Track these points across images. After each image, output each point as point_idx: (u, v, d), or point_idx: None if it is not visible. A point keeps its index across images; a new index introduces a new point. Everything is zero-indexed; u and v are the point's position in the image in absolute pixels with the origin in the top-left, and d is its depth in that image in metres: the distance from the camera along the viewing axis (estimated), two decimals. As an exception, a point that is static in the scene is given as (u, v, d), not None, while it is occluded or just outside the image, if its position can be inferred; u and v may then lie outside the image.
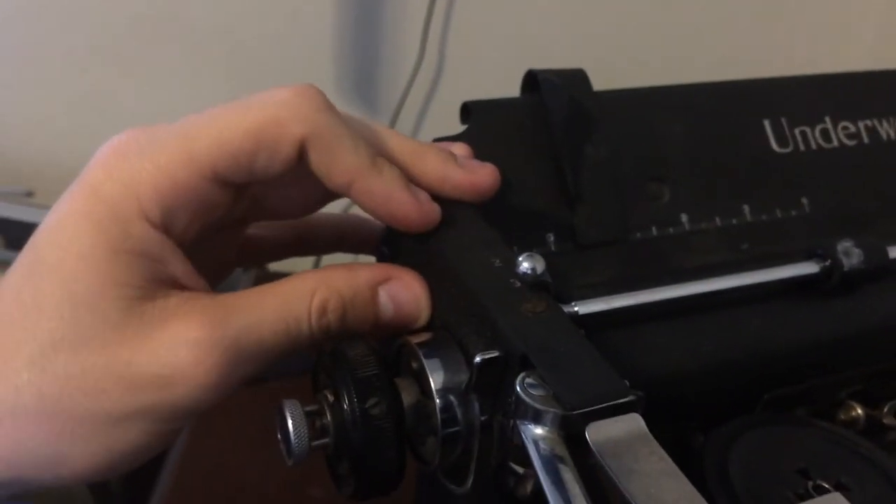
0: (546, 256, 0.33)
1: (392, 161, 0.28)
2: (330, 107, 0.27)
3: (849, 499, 0.26)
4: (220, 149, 0.25)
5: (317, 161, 0.27)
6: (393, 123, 0.84)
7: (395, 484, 0.27)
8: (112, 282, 0.24)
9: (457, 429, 0.27)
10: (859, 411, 0.31)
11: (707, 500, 0.26)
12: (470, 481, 0.27)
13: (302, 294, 0.27)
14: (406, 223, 0.28)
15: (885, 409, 0.32)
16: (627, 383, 0.24)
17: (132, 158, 0.25)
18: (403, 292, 0.29)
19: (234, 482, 0.53)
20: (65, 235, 0.24)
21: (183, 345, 0.24)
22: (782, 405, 0.31)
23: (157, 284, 0.25)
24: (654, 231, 0.35)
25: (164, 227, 0.25)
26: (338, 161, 0.27)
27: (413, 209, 0.28)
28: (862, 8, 0.80)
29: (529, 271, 0.26)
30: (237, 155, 0.25)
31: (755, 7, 0.78)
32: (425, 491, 0.38)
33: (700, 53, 0.79)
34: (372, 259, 0.34)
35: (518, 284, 0.27)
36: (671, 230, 0.35)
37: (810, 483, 0.26)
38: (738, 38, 0.79)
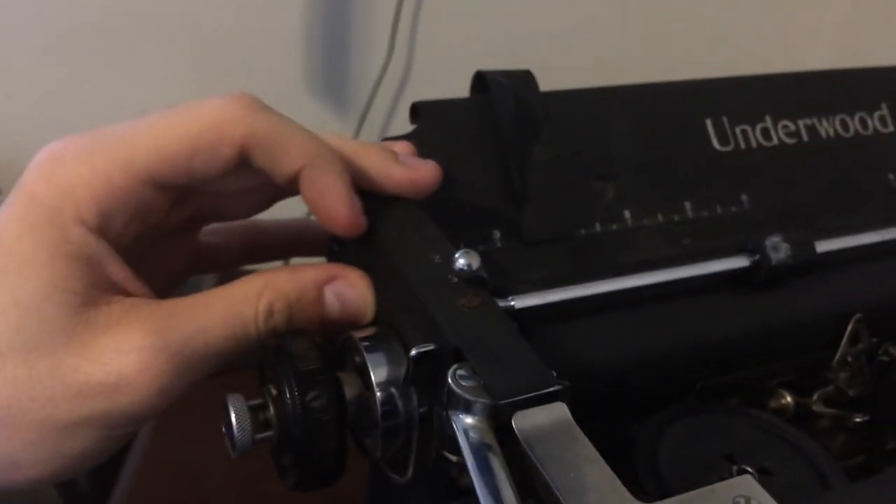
0: (492, 253, 0.35)
1: None
2: (267, 108, 0.27)
3: (771, 482, 0.27)
4: (157, 153, 0.26)
5: (262, 158, 0.27)
6: (361, 122, 0.85)
7: (337, 475, 0.27)
8: (55, 287, 0.25)
9: (397, 421, 0.27)
10: (789, 399, 0.33)
11: (636, 485, 0.27)
12: (410, 472, 0.28)
13: (248, 297, 0.28)
14: (334, 222, 0.29)
15: (815, 398, 0.33)
16: (554, 374, 0.25)
17: (69, 163, 0.25)
18: (349, 290, 0.30)
19: (198, 476, 0.54)
20: (6, 241, 0.25)
21: (128, 352, 0.25)
22: (715, 394, 0.32)
23: (99, 290, 0.26)
24: (598, 228, 0.36)
25: (102, 230, 0.26)
26: (283, 153, 0.27)
27: (345, 210, 0.28)
28: (823, 7, 0.81)
29: (465, 267, 0.27)
30: (174, 159, 0.26)
31: (712, 7, 0.79)
32: (377, 482, 0.39)
33: (667, 53, 0.80)
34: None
35: (455, 280, 0.28)
36: (615, 227, 0.36)
37: (735, 468, 0.28)
38: (696, 39, 0.80)
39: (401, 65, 0.85)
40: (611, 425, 0.30)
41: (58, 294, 0.25)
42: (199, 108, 0.27)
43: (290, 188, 0.29)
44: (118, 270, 0.26)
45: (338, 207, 0.28)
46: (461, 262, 0.28)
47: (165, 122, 0.26)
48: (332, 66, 0.86)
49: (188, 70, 0.84)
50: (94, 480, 0.77)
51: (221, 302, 0.27)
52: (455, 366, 0.25)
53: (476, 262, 0.27)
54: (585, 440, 0.23)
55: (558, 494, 0.22)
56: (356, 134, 0.84)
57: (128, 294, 0.27)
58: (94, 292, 0.25)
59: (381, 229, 0.30)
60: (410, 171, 0.30)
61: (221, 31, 0.82)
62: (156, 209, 0.27)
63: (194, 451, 0.55)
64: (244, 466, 0.52)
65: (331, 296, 0.30)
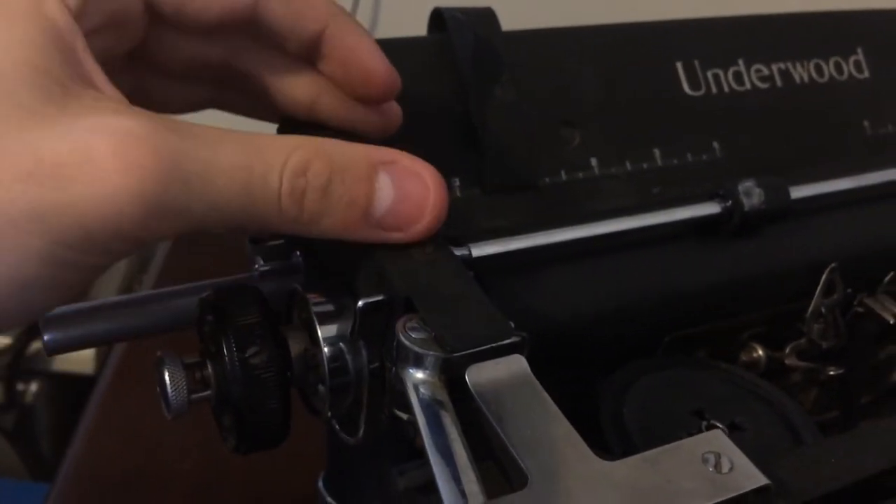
0: (451, 201, 0.33)
1: None
2: None
3: (742, 438, 0.26)
4: None
5: (281, 10, 0.25)
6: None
7: (281, 437, 0.26)
8: (31, 67, 0.20)
9: (346, 378, 0.26)
10: (760, 353, 0.31)
11: (601, 443, 0.26)
12: (361, 431, 0.27)
13: (279, 146, 0.22)
14: (371, 79, 0.26)
15: (787, 351, 0.31)
16: (512, 325, 0.23)
17: None
18: (410, 181, 0.24)
19: (152, 441, 0.52)
20: None
21: (102, 131, 0.19)
22: (684, 347, 0.31)
23: (77, 80, 0.21)
24: (564, 176, 0.34)
25: (79, 17, 0.22)
26: (308, 5, 0.25)
27: (382, 63, 0.26)
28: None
29: None
30: None
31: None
32: (335, 444, 0.37)
33: None
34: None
35: (407, 227, 0.26)
36: (581, 175, 0.34)
37: (704, 423, 0.26)
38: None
39: (367, 15, 0.82)
40: (576, 381, 0.28)
41: (34, 75, 0.20)
42: None
43: (301, 55, 0.26)
44: (94, 68, 0.22)
45: (375, 61, 0.26)
46: None
47: None
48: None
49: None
50: (54, 446, 0.75)
51: (244, 137, 0.22)
52: (405, 317, 0.23)
53: None
54: (545, 395, 0.22)
55: (513, 453, 0.20)
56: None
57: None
58: (72, 80, 0.21)
59: None
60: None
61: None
62: (132, 24, 0.24)
63: (148, 417, 0.53)
64: (202, 431, 0.51)
65: (386, 182, 0.23)
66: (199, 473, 0.51)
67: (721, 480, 0.19)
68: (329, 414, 0.27)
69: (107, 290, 0.81)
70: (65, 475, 0.51)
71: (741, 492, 0.19)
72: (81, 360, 0.73)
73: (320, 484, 0.42)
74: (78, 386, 0.71)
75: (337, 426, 0.28)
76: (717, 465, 0.20)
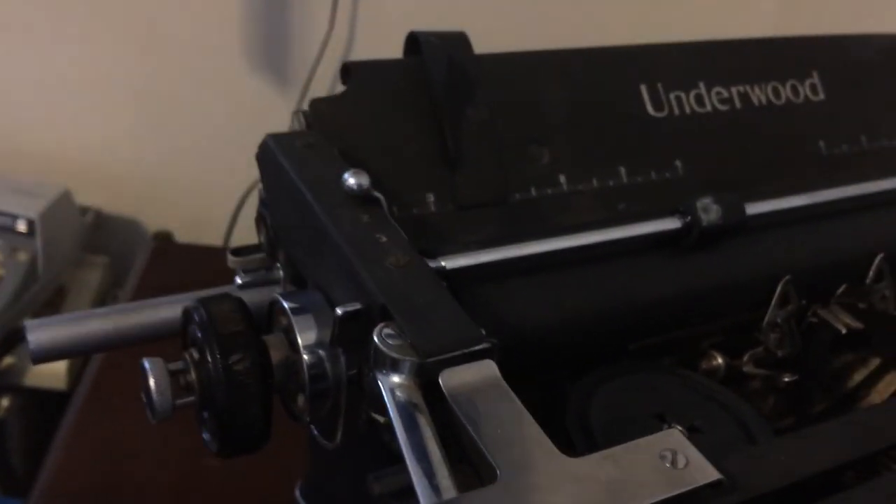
0: (426, 216, 0.34)
1: None
2: None
3: (700, 440, 0.27)
4: None
5: None
6: (304, 94, 0.83)
7: (261, 441, 0.27)
8: None
9: (325, 384, 0.27)
10: (720, 360, 0.33)
11: (568, 443, 0.27)
12: (339, 436, 0.28)
13: None
14: None
15: (745, 359, 0.33)
16: (483, 332, 0.24)
17: None
18: None
19: (129, 452, 0.52)
20: None
21: None
22: (648, 355, 0.32)
23: None
24: (534, 192, 0.36)
25: None
26: None
27: None
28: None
29: (356, 187, 0.27)
30: None
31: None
32: (315, 450, 0.38)
33: (605, 19, 0.80)
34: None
35: (384, 239, 0.27)
36: (550, 191, 0.36)
37: (665, 426, 0.28)
38: (638, 6, 0.81)
39: (343, 36, 0.84)
40: (545, 386, 0.30)
41: None
42: None
43: None
44: None
45: None
46: (351, 181, 0.27)
47: None
48: (272, 38, 0.84)
49: (123, 45, 0.82)
50: (26, 462, 0.74)
51: None
52: (381, 324, 0.24)
53: (366, 181, 0.27)
54: (513, 397, 0.23)
55: (484, 451, 0.21)
56: (298, 106, 0.83)
57: None
58: None
59: (309, 190, 0.29)
60: None
61: (160, 2, 0.80)
62: None
63: (126, 428, 0.53)
64: (180, 442, 0.51)
65: None
66: (176, 485, 0.51)
67: (677, 475, 0.21)
68: (308, 419, 0.28)
69: (81, 305, 0.81)
70: (40, 488, 0.51)
71: (695, 486, 0.21)
72: (54, 376, 0.73)
73: (297, 492, 0.42)
74: (51, 401, 0.71)
75: (316, 431, 0.29)
76: (674, 462, 0.21)
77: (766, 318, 0.33)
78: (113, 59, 0.82)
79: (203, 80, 0.84)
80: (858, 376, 0.36)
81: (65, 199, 0.80)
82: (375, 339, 0.24)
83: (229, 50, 0.83)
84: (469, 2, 0.79)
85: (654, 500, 0.20)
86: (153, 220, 0.92)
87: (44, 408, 0.73)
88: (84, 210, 0.87)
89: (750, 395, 0.34)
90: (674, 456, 0.21)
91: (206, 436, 0.28)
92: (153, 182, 0.91)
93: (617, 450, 0.22)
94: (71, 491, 0.51)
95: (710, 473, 0.21)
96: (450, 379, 0.23)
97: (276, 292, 0.30)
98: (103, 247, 0.90)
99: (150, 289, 0.68)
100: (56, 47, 0.81)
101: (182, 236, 0.86)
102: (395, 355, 0.23)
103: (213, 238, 0.86)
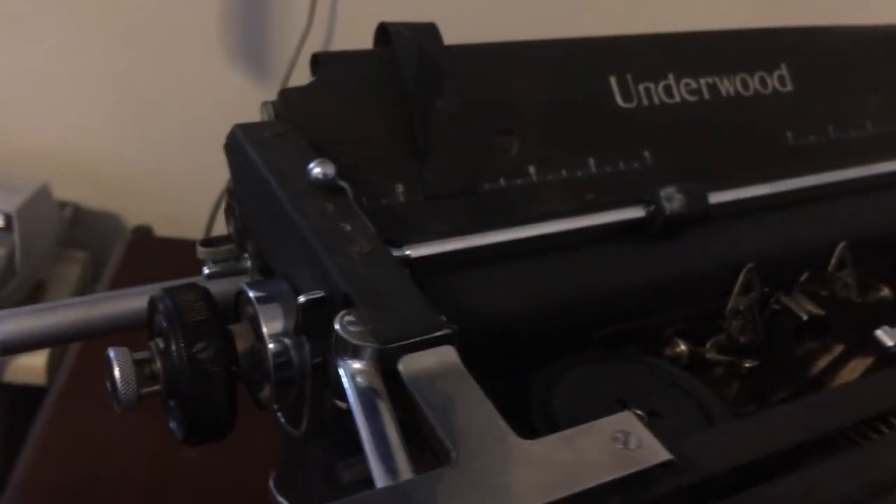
0: (395, 207, 0.34)
1: None
2: None
3: (660, 424, 0.28)
4: None
5: None
6: (284, 87, 0.83)
7: (226, 429, 0.27)
8: None
9: (290, 372, 0.27)
10: (683, 347, 0.33)
11: (531, 430, 0.27)
12: (304, 424, 0.28)
13: None
14: None
15: (708, 345, 0.34)
16: (444, 318, 0.24)
17: None
18: None
19: (105, 445, 0.52)
20: None
21: None
22: (613, 342, 0.33)
23: None
24: (503, 182, 0.36)
25: None
26: None
27: None
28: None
29: (321, 176, 0.27)
30: None
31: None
32: (284, 439, 0.38)
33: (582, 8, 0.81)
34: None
35: (349, 228, 0.27)
36: (519, 181, 0.36)
37: (626, 412, 0.28)
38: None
39: (322, 30, 0.83)
40: (512, 374, 0.30)
41: None
42: None
43: None
44: None
45: None
46: (316, 171, 0.27)
47: None
48: (251, 31, 0.84)
49: (101, 37, 0.81)
50: (3, 458, 0.74)
51: None
52: (343, 311, 0.24)
53: (331, 171, 0.27)
54: (473, 383, 0.23)
55: (441, 436, 0.22)
56: (275, 99, 0.82)
57: None
58: None
59: (274, 182, 0.29)
60: None
61: (139, -1, 0.80)
62: None
63: (100, 422, 0.53)
64: (157, 434, 0.51)
65: None
66: (153, 477, 0.51)
67: (629, 456, 0.21)
68: (275, 407, 0.28)
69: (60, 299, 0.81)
70: (16, 482, 0.51)
71: (646, 466, 0.21)
72: (33, 371, 0.73)
73: (271, 483, 0.43)
74: (29, 397, 0.71)
75: (283, 419, 0.30)
76: (626, 443, 0.22)
77: (729, 306, 0.33)
78: (91, 52, 0.82)
79: (182, 73, 0.84)
80: (822, 363, 0.37)
81: (43, 193, 0.80)
82: (337, 326, 0.24)
83: (208, 43, 0.83)
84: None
85: (604, 480, 0.21)
86: (133, 214, 0.92)
87: (23, 404, 0.72)
88: (62, 204, 0.87)
89: (714, 381, 0.35)
90: (626, 437, 0.22)
91: (172, 424, 0.28)
92: (132, 176, 0.90)
93: (571, 432, 0.22)
94: (47, 485, 0.51)
95: (661, 454, 0.21)
96: (409, 365, 0.23)
97: (243, 282, 0.30)
98: (82, 241, 0.89)
99: (126, 283, 0.68)
100: (33, 40, 0.81)
101: (162, 230, 0.86)
102: (355, 342, 0.23)
103: (195, 232, 0.85)
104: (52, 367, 0.72)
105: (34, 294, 0.80)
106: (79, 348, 0.60)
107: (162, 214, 0.89)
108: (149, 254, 0.76)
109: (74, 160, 0.88)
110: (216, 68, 0.84)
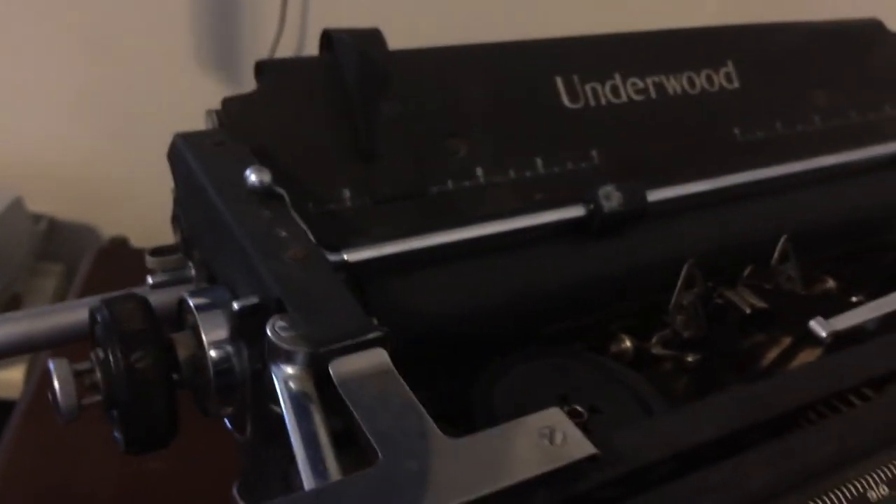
0: (342, 212, 0.35)
1: None
2: None
3: (599, 419, 0.28)
4: None
5: None
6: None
7: (168, 437, 0.27)
8: None
9: (231, 379, 0.27)
10: (628, 343, 0.34)
11: (469, 427, 0.28)
12: (249, 430, 0.28)
13: None
14: None
15: (654, 341, 0.34)
16: (375, 321, 0.25)
17: None
18: None
19: (72, 458, 0.52)
20: None
21: None
22: (558, 341, 0.33)
23: None
24: (451, 185, 0.36)
25: None
26: None
27: None
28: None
29: (258, 183, 0.27)
30: None
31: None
32: (241, 449, 0.39)
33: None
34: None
35: (284, 234, 0.28)
36: (467, 183, 0.37)
37: (566, 408, 0.28)
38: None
39: (293, 35, 0.84)
40: (457, 374, 0.30)
41: None
42: None
43: None
44: None
45: None
46: (252, 178, 0.28)
47: None
48: (222, 38, 0.84)
49: (72, 47, 0.81)
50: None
51: None
52: (275, 316, 0.25)
53: (267, 178, 0.28)
54: (402, 384, 0.24)
55: (369, 437, 0.22)
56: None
57: None
58: None
59: (212, 190, 0.30)
60: None
61: (108, 4, 0.79)
62: None
63: (69, 435, 0.53)
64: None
65: None
66: (122, 490, 0.51)
67: (553, 451, 0.22)
68: (218, 414, 0.28)
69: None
70: (-15, 496, 0.51)
71: (570, 461, 0.21)
72: (9, 385, 0.73)
73: (234, 491, 0.43)
74: (5, 411, 0.70)
75: (229, 426, 0.30)
76: (552, 438, 0.22)
77: (672, 301, 0.34)
78: (62, 63, 0.82)
79: (155, 82, 0.84)
80: (772, 355, 0.37)
81: (16, 206, 0.80)
82: (268, 331, 0.24)
83: (180, 51, 0.83)
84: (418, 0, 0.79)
85: (529, 476, 0.21)
86: (108, 226, 0.91)
87: (-1, 418, 0.72)
88: (37, 217, 0.86)
89: (663, 376, 0.35)
90: (552, 433, 0.22)
91: (115, 434, 0.28)
92: (107, 188, 0.90)
93: (499, 429, 0.22)
94: (16, 496, 0.51)
95: (586, 448, 0.22)
96: (340, 367, 0.24)
97: (186, 291, 0.30)
98: (58, 254, 0.89)
99: (95, 294, 0.68)
100: (3, 52, 0.81)
101: (138, 242, 0.86)
102: (286, 346, 0.24)
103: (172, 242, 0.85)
104: (29, 381, 0.71)
105: (10, 308, 0.79)
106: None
107: (138, 226, 0.89)
108: (120, 264, 0.76)
109: (48, 172, 0.88)
110: (189, 76, 0.84)
